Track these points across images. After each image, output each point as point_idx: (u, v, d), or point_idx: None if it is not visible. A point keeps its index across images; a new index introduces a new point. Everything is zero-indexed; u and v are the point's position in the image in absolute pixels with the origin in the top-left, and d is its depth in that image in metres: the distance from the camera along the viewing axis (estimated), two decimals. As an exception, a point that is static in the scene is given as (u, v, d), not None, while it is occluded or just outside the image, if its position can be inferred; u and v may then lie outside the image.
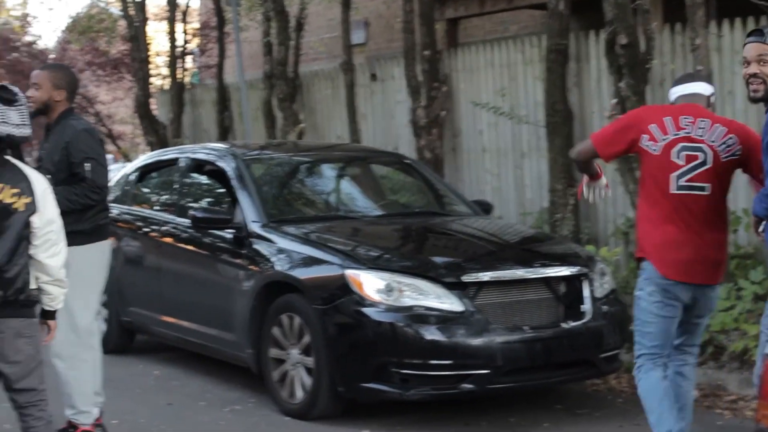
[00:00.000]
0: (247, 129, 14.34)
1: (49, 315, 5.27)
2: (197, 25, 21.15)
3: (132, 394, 8.00)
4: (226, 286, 7.88)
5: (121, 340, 9.29)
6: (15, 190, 5.00)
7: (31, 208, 5.03)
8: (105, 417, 6.66)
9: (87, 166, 6.29)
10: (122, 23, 18.88)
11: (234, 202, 8.01)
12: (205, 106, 17.20)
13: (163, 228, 8.71)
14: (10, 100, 5.01)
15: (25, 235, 5.01)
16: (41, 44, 20.09)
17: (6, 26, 27.59)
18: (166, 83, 18.54)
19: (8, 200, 4.97)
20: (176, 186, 8.85)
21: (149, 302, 8.86)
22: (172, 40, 16.96)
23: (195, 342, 8.41)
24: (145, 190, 9.52)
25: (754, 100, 5.14)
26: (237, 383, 8.28)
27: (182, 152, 9.14)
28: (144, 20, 16.71)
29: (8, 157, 5.05)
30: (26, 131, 5.04)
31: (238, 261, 7.76)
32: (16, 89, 5.11)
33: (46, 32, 60.83)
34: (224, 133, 16.15)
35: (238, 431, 7.02)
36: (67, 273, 6.18)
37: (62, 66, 7.11)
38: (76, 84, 6.69)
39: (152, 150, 16.46)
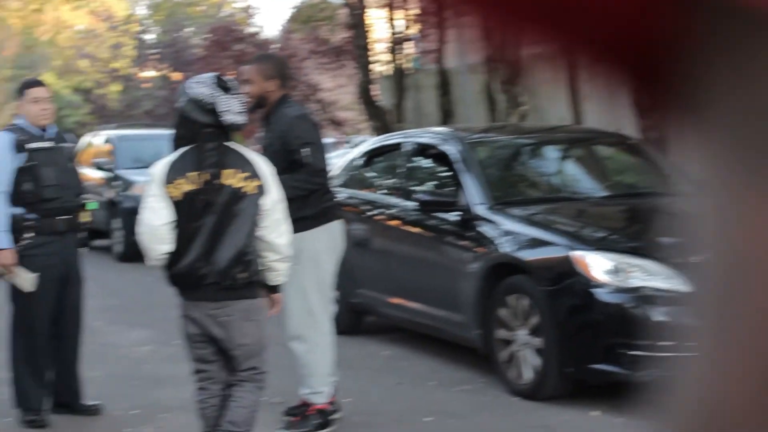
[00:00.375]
0: (468, 113, 14.43)
1: (274, 289, 5.47)
2: (417, 11, 21.31)
3: (363, 374, 8.21)
4: (453, 268, 8.00)
5: (351, 321, 9.54)
6: (244, 175, 5.23)
7: (261, 191, 5.25)
8: (337, 395, 6.88)
9: (305, 151, 6.42)
10: (343, 11, 19.22)
11: (459, 185, 8.12)
12: (426, 90, 17.38)
13: (389, 211, 8.90)
14: (228, 89, 5.23)
15: (256, 218, 5.23)
16: (264, 35, 20.64)
17: (230, 18, 28.59)
18: (388, 69, 18.81)
19: (239, 185, 5.21)
20: (401, 170, 9.02)
21: (377, 284, 9.07)
22: (393, 26, 17.19)
23: (423, 323, 8.58)
24: (371, 174, 9.73)
25: None
26: (465, 363, 8.40)
27: (406, 137, 9.31)
28: (364, 8, 16.97)
29: (230, 144, 5.29)
30: (245, 119, 5.27)
31: (464, 243, 7.87)
32: (230, 78, 5.36)
33: (269, 23, 62.33)
34: (446, 117, 16.29)
35: (468, 411, 7.13)
36: (299, 258, 6.45)
37: (269, 56, 7.35)
38: (286, 71, 6.81)
39: (376, 135, 16.78)
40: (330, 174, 6.78)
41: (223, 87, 5.21)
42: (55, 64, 40.53)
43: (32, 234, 6.73)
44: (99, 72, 33.75)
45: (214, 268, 5.15)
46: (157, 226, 5.09)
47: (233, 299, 5.22)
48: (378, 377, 8.15)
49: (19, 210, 6.79)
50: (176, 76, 27.84)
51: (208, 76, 5.31)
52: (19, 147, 6.85)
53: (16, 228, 6.75)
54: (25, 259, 6.71)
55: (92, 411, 7.05)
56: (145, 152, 15.90)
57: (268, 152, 6.57)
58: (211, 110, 5.16)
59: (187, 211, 5.15)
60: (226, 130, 5.24)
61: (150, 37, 30.36)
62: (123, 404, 7.32)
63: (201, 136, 5.18)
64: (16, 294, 6.84)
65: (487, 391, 7.54)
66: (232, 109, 5.15)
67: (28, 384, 6.83)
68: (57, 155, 6.98)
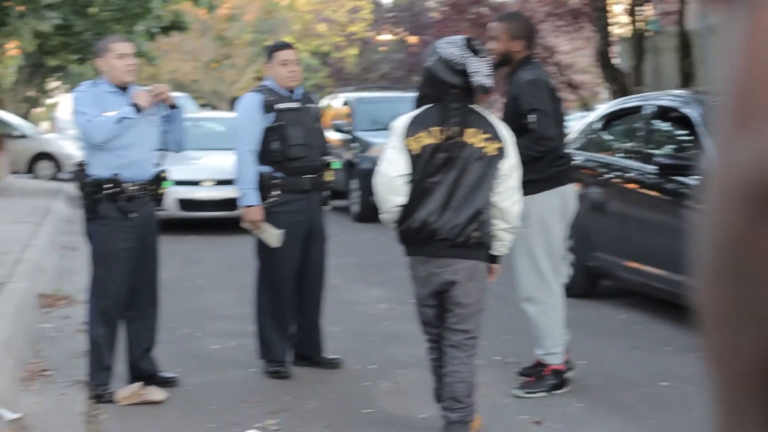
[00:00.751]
0: (709, 75, 14.07)
1: (495, 259, 5.51)
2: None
3: (598, 337, 8.20)
4: (692, 233, 7.86)
5: (586, 284, 9.51)
6: (486, 135, 5.29)
7: (500, 154, 5.30)
8: (572, 356, 6.91)
9: (531, 117, 6.37)
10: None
11: (700, 148, 7.97)
12: (666, 53, 17.03)
13: (628, 174, 8.81)
14: (477, 51, 5.28)
15: (493, 180, 5.28)
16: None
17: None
18: (626, 31, 18.52)
19: (480, 144, 5.27)
20: (640, 133, 8.90)
21: (614, 247, 9.01)
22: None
23: (660, 287, 8.48)
24: (609, 137, 9.64)
25: None
26: (702, 330, 8.27)
27: (646, 99, 9.18)
28: (602, -31, 16.75)
29: (473, 106, 5.35)
30: (492, 82, 5.31)
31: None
32: (478, 41, 5.40)
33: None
34: (686, 79, 15.94)
35: (703, 377, 7.01)
36: (528, 221, 6.49)
37: (517, 15, 7.27)
38: (533, 32, 6.79)
39: (613, 98, 16.55)
40: (564, 139, 6.72)
41: (473, 49, 5.27)
42: (294, 29, 41.59)
43: (279, 192, 6.97)
44: (337, 35, 34.44)
45: (448, 224, 5.23)
46: (393, 177, 5.20)
47: (461, 258, 5.29)
48: (613, 340, 8.12)
49: (266, 168, 7.05)
50: (412, 39, 28.12)
51: (459, 37, 5.37)
52: (268, 107, 7.07)
53: (264, 186, 7.00)
54: (271, 215, 6.97)
55: (333, 364, 7.27)
56: (382, 114, 16.17)
57: (506, 113, 6.64)
58: (460, 71, 5.22)
59: (424, 165, 5.24)
60: (471, 92, 5.30)
61: (387, 0, 30.75)
62: (362, 359, 7.55)
63: (448, 96, 5.26)
64: (263, 250, 7.13)
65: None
66: (481, 71, 5.21)
67: (272, 336, 7.11)
68: (304, 115, 7.19)
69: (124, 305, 6.64)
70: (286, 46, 7.46)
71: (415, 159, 5.23)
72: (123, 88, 6.57)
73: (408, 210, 5.25)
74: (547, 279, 6.66)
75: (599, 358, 7.51)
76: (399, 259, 5.58)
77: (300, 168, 7.05)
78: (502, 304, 9.56)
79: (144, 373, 6.77)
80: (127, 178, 6.48)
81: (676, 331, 8.34)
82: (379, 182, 5.22)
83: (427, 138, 5.24)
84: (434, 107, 5.28)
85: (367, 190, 16.13)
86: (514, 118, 6.43)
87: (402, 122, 5.28)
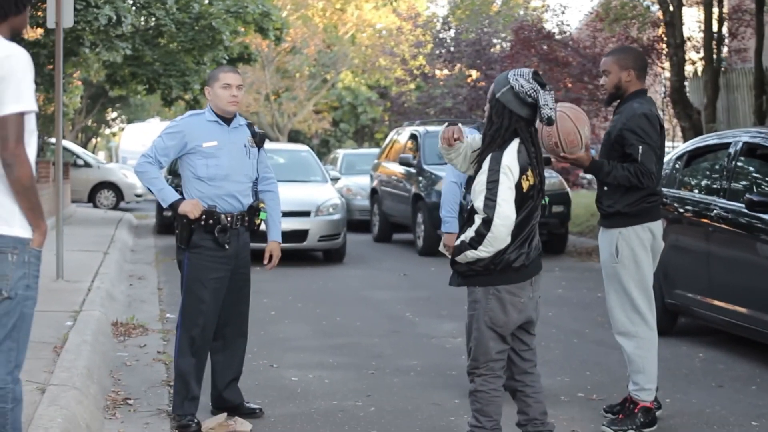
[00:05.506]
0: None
1: None
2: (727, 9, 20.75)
3: (679, 375, 8.08)
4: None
5: (665, 321, 9.37)
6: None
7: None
8: (657, 394, 6.80)
9: (640, 149, 6.39)
10: (654, 9, 18.89)
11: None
12: (740, 90, 16.89)
13: (710, 212, 8.69)
14: (544, 85, 5.31)
15: None
16: (571, 32, 20.52)
17: (534, 14, 28.58)
18: (699, 68, 18.38)
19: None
20: (725, 170, 8.77)
21: (695, 285, 8.88)
22: (708, 23, 16.73)
23: (743, 326, 8.34)
24: (691, 174, 9.52)
25: None
26: (787, 369, 8.17)
27: (731, 136, 9.05)
28: (680, 4, 16.60)
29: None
30: (555, 116, 5.34)
31: (794, 246, 7.60)
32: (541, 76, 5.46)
33: (570, 19, 62.22)
34: (762, 117, 15.75)
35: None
36: (620, 255, 6.51)
37: (627, 48, 7.25)
38: (643, 62, 6.76)
39: (684, 136, 16.40)
40: (660, 177, 6.65)
41: (540, 83, 5.31)
42: (354, 62, 41.76)
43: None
44: (399, 69, 34.51)
45: (533, 252, 5.41)
46: (513, 219, 5.22)
47: (538, 273, 5.50)
48: (696, 379, 7.99)
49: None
50: (475, 74, 28.10)
51: (527, 70, 5.39)
52: None
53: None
54: None
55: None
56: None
57: (606, 140, 6.61)
58: (531, 104, 5.27)
59: (529, 202, 5.30)
60: (533, 124, 5.34)
61: (449, 35, 30.76)
62: (445, 394, 7.49)
63: (520, 128, 5.30)
64: None
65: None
66: (549, 104, 5.24)
67: None
68: None
69: (212, 335, 6.62)
70: None
71: (521, 197, 5.26)
72: (226, 119, 6.58)
73: (513, 244, 5.28)
74: (643, 313, 6.58)
75: (684, 397, 7.40)
76: (465, 293, 5.55)
77: None
78: (579, 341, 9.49)
79: (229, 403, 6.74)
80: (222, 208, 6.48)
81: (761, 370, 8.22)
82: (501, 223, 5.20)
83: (533, 177, 5.30)
84: (522, 143, 5.31)
85: (431, 223, 16.13)
86: (620, 147, 6.48)
87: (512, 161, 5.27)
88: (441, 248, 7.26)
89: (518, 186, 5.25)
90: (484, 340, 5.42)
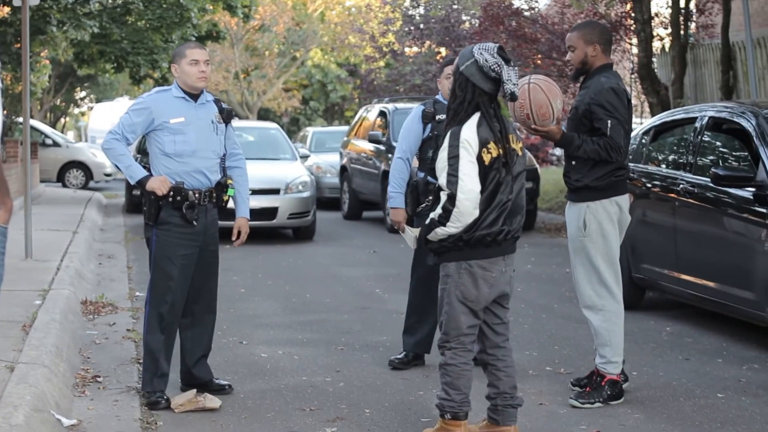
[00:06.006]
0: (752, 88, 13.98)
1: None
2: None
3: (647, 349, 8.15)
4: (746, 245, 7.81)
5: (632, 296, 9.42)
6: (514, 137, 5.51)
7: (524, 151, 5.54)
8: (624, 368, 6.85)
9: (609, 123, 6.42)
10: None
11: (756, 160, 7.89)
12: (707, 65, 16.95)
13: (676, 186, 8.75)
14: (508, 60, 5.34)
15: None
16: (539, 9, 20.49)
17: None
18: (666, 44, 18.41)
19: (517, 147, 5.48)
20: (691, 144, 8.83)
21: (662, 259, 8.95)
22: (675, 0, 16.74)
23: (709, 299, 8.41)
24: (657, 149, 9.57)
25: None
26: (753, 341, 8.23)
27: (698, 111, 9.09)
28: (647, -20, 16.62)
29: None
30: (519, 91, 5.41)
31: (759, 219, 7.66)
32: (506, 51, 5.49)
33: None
34: (728, 93, 15.82)
35: (759, 389, 6.96)
36: (587, 229, 6.57)
37: (592, 22, 7.25)
38: (608, 36, 6.77)
39: (652, 111, 16.46)
40: (628, 151, 6.68)
41: (505, 58, 5.34)
42: (323, 40, 41.62)
43: (431, 197, 7.02)
44: (368, 46, 34.41)
45: (515, 224, 5.48)
46: (477, 191, 5.25)
47: (512, 252, 5.53)
48: (662, 352, 8.06)
49: (422, 174, 7.40)
50: (444, 51, 28.07)
51: (492, 45, 5.42)
52: (427, 118, 7.46)
53: (420, 191, 7.31)
54: (420, 219, 7.07)
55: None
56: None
57: (574, 114, 6.64)
58: (494, 78, 5.30)
59: (493, 174, 5.31)
60: (496, 98, 5.37)
61: (419, 12, 30.67)
62: (414, 368, 7.53)
63: (483, 102, 5.33)
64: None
65: (780, 370, 7.36)
66: (512, 79, 5.28)
67: None
68: None
69: (181, 312, 6.62)
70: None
71: (484, 169, 5.28)
72: (193, 95, 6.55)
73: (479, 218, 5.30)
74: (610, 287, 6.62)
75: (651, 370, 7.46)
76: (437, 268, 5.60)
77: None
78: (547, 315, 9.55)
79: (199, 380, 6.74)
80: (190, 184, 6.47)
81: (727, 343, 8.29)
82: (465, 197, 5.23)
83: (495, 149, 5.31)
84: (482, 116, 5.33)
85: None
86: (588, 121, 6.51)
87: (471, 135, 5.28)
88: (395, 227, 7.47)
89: (480, 159, 5.27)
90: (455, 315, 5.45)
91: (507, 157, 5.38)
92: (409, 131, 7.57)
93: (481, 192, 5.30)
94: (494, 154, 5.32)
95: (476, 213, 5.27)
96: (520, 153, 5.49)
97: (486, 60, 5.30)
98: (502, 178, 5.36)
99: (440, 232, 5.34)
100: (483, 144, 5.28)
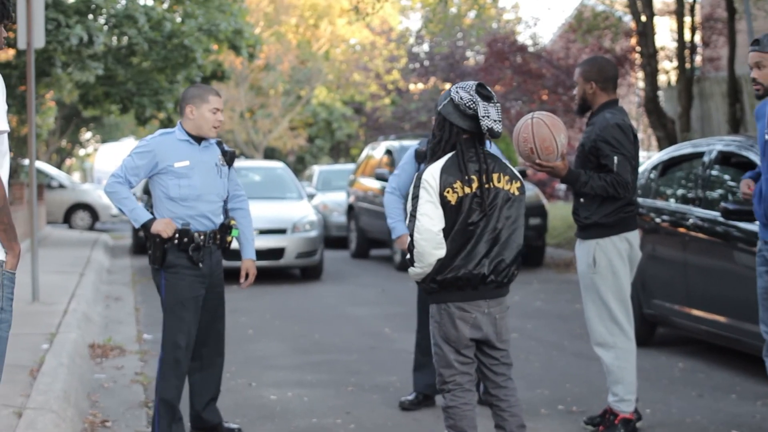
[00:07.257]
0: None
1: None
2: (699, 18, 20.85)
3: (659, 385, 8.07)
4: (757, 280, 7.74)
5: (643, 331, 9.35)
6: (507, 177, 5.33)
7: (523, 192, 5.37)
8: (637, 405, 6.78)
9: (615, 159, 6.39)
10: (627, 19, 18.93)
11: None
12: (714, 98, 16.93)
13: (686, 221, 8.70)
14: (488, 97, 5.26)
15: (522, 219, 5.38)
16: (544, 44, 20.56)
17: (506, 27, 28.62)
18: (673, 78, 18.41)
19: (506, 186, 5.29)
20: (700, 179, 8.78)
21: (673, 294, 8.89)
22: (680, 33, 16.76)
23: (721, 334, 8.34)
24: (666, 183, 9.52)
25: (758, 97, 5.90)
26: (766, 376, 8.11)
27: (706, 145, 9.05)
28: (652, 14, 16.62)
29: (486, 149, 5.34)
30: (500, 128, 5.30)
31: (770, 253, 7.59)
32: (489, 88, 5.39)
33: (544, 32, 62.37)
34: (735, 126, 15.79)
35: (776, 426, 6.90)
36: (597, 265, 6.49)
37: (594, 59, 7.12)
38: (608, 73, 6.69)
39: (659, 145, 16.43)
40: (636, 187, 6.63)
41: (485, 95, 5.26)
42: (328, 78, 41.75)
43: None
44: (373, 84, 34.49)
45: (497, 268, 5.25)
46: (435, 231, 5.16)
47: (503, 296, 5.36)
48: (676, 389, 7.98)
49: None
50: (449, 87, 28.17)
51: (471, 83, 5.33)
52: (420, 157, 7.41)
53: None
54: None
55: None
56: (426, 162, 16.09)
57: (581, 151, 6.59)
58: (471, 115, 5.22)
59: (462, 215, 5.21)
60: (481, 136, 5.30)
61: (423, 49, 30.76)
62: (426, 408, 7.46)
63: (461, 141, 5.25)
64: None
65: (793, 406, 7.28)
66: (491, 116, 5.20)
67: None
68: None
69: (191, 355, 6.56)
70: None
71: (452, 210, 5.19)
72: (197, 138, 6.52)
73: (450, 259, 5.20)
74: (621, 324, 6.57)
75: (664, 407, 7.39)
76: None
77: None
78: (558, 353, 9.47)
79: (208, 423, 6.67)
80: (195, 227, 6.43)
81: (740, 378, 8.22)
82: (421, 237, 5.15)
83: (462, 189, 5.20)
84: (455, 155, 5.25)
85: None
86: (594, 157, 6.47)
87: (434, 174, 5.22)
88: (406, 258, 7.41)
89: (443, 199, 5.20)
90: (443, 355, 5.38)
91: (483, 197, 5.25)
92: (402, 170, 7.63)
93: (447, 232, 5.22)
94: (461, 194, 5.21)
95: (438, 253, 5.17)
96: (516, 193, 5.32)
97: (461, 98, 5.23)
98: (474, 219, 5.25)
99: (411, 272, 5.30)
100: (447, 184, 5.20)
